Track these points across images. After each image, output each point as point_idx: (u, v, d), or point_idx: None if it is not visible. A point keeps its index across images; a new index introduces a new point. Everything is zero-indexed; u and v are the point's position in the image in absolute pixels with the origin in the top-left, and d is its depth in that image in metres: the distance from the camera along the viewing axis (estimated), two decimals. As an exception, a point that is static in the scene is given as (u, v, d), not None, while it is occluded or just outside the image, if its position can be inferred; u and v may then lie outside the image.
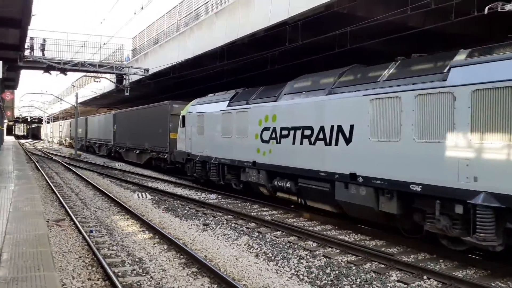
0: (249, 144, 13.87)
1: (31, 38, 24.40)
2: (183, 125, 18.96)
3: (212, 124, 16.42)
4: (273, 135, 12.71)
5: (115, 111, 35.90)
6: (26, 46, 22.10)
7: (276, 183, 12.81)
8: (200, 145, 17.23)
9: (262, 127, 13.24)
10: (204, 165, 17.17)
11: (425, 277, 7.23)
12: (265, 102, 13.33)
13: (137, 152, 28.43)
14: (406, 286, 6.86)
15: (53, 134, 74.23)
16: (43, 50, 24.99)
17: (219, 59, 19.88)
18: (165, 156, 23.09)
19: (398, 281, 7.11)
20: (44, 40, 25.09)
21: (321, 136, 10.95)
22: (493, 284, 6.95)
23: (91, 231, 10.25)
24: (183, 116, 19.07)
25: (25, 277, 5.28)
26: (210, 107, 16.80)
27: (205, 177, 17.19)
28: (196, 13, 21.87)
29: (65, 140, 60.99)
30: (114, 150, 34.63)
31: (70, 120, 56.64)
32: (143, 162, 27.39)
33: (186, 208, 13.67)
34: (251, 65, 19.85)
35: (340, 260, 8.22)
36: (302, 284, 6.96)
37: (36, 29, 39.50)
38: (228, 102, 15.50)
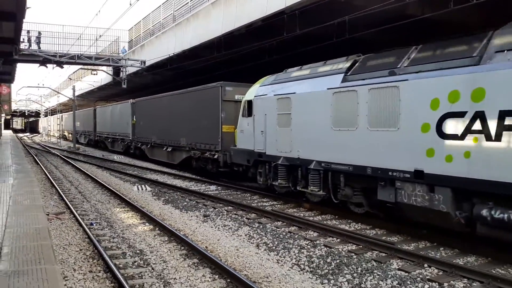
0: (403, 140, 8.67)
1: (28, 32, 24.21)
2: (249, 114, 14.05)
3: (310, 111, 11.41)
4: (476, 126, 7.40)
5: (133, 100, 29.08)
6: (21, 39, 21.91)
7: (484, 211, 7.35)
8: (284, 142, 12.28)
9: (442, 111, 7.96)
10: (292, 170, 12.30)
11: (425, 265, 7.26)
12: (448, 70, 7.94)
13: (169, 149, 22.42)
14: (407, 274, 6.89)
15: (52, 128, 73.88)
16: (38, 43, 24.78)
17: (217, 50, 19.77)
18: (215, 156, 17.33)
19: (399, 269, 7.13)
20: (39, 33, 24.89)
21: None
22: (494, 271, 6.97)
23: (91, 224, 10.24)
24: (249, 101, 14.06)
25: (26, 271, 5.27)
26: (304, 86, 11.77)
27: (293, 187, 12.40)
28: (192, 4, 21.70)
29: (68, 134, 57.29)
30: (133, 146, 28.40)
31: (71, 112, 52.59)
32: (177, 163, 21.85)
33: (186, 199, 13.67)
34: (249, 56, 19.75)
35: (340, 249, 8.24)
36: (303, 274, 6.98)
37: (31, 22, 39.14)
38: (343, 75, 10.45)
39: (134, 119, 28.07)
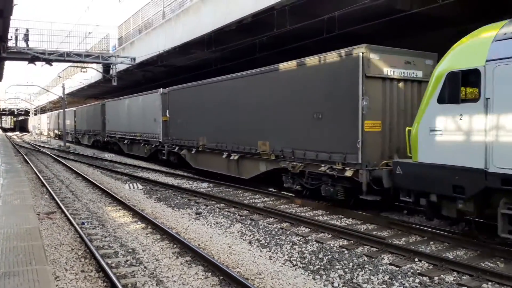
0: None
1: (16, 29, 23.93)
2: (469, 98, 8.28)
3: None
4: None
5: (165, 89, 21.44)
6: (9, 37, 21.66)
7: None
8: None
9: None
10: None
11: (416, 259, 7.33)
12: None
13: (233, 157, 15.11)
14: (398, 268, 6.95)
15: (45, 127, 72.87)
16: (26, 40, 24.51)
17: (207, 46, 19.70)
18: (346, 173, 10.23)
19: (390, 264, 7.20)
20: (27, 30, 24.61)
21: None
22: (483, 265, 7.07)
23: (83, 223, 10.20)
24: (468, 72, 7.52)
25: (17, 272, 5.24)
26: None
27: None
28: (182, 0, 21.59)
29: (69, 133, 49.43)
30: (167, 150, 20.93)
31: (75, 108, 46.11)
32: (249, 177, 14.68)
33: (178, 197, 13.66)
34: (239, 52, 19.72)
35: (332, 245, 8.29)
36: (295, 270, 7.02)
37: (19, 19, 38.67)
38: None
39: (167, 115, 20.89)
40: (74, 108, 46.25)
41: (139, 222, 10.33)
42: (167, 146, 20.87)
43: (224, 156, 15.62)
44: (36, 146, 42.13)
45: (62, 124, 44.31)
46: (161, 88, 21.71)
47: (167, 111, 20.93)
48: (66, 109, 45.69)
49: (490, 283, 6.34)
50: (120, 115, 28.61)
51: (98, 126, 34.85)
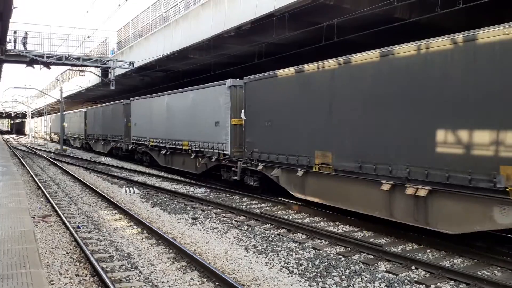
0: None
1: (14, 32, 23.92)
2: None
3: None
4: None
5: (238, 81, 15.43)
6: (8, 40, 21.65)
7: None
8: None
9: None
10: None
11: (413, 267, 7.30)
12: None
13: (389, 184, 9.00)
14: (394, 276, 6.92)
15: (39, 130, 72.49)
16: (25, 43, 24.48)
17: (206, 52, 19.75)
18: None
19: (386, 271, 7.17)
20: (26, 33, 24.58)
21: None
22: (480, 273, 7.05)
23: (78, 227, 10.13)
24: None
25: (10, 275, 5.19)
26: None
27: None
28: (181, 5, 21.66)
29: (76, 138, 43.25)
30: (243, 169, 14.43)
31: (85, 109, 39.46)
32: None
33: (175, 202, 13.60)
34: (238, 58, 19.77)
35: (329, 252, 8.26)
36: (291, 276, 6.98)
37: (18, 22, 38.72)
38: None
39: (243, 116, 14.47)
40: (84, 109, 39.37)
41: (135, 227, 10.27)
42: (243, 163, 14.23)
43: (386, 186, 8.94)
44: (33, 149, 41.97)
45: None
46: (230, 79, 15.37)
47: (243, 111, 14.31)
48: (73, 111, 42.54)
49: (487, 292, 6.32)
50: (154, 117, 22.15)
51: (119, 131, 28.23)
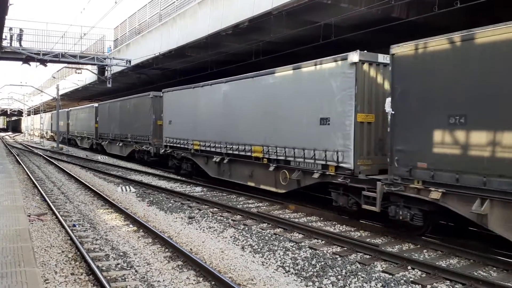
0: None
1: (10, 29, 23.80)
2: None
3: None
4: None
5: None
6: (3, 37, 21.53)
7: None
8: None
9: None
10: None
11: (409, 267, 7.30)
12: None
13: None
14: (390, 276, 6.92)
15: (36, 128, 71.99)
16: (20, 40, 24.37)
17: (203, 50, 19.71)
18: None
19: (383, 271, 7.16)
20: (21, 30, 24.46)
21: None
22: (476, 274, 7.05)
23: (74, 225, 10.08)
24: None
25: (5, 273, 5.15)
26: None
27: None
28: (178, 3, 21.59)
29: (84, 138, 37.75)
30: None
31: (97, 104, 34.30)
32: None
33: (171, 201, 13.56)
34: (236, 57, 19.74)
35: (325, 251, 8.25)
36: (288, 276, 6.97)
37: (14, 19, 38.54)
38: None
39: (388, 108, 8.93)
40: (95, 104, 34.45)
41: (131, 225, 10.23)
42: (386, 184, 8.87)
43: None
44: (29, 147, 41.81)
45: (56, 124, 43.12)
46: (357, 51, 9.83)
47: (389, 100, 8.94)
48: (81, 107, 39.04)
49: (483, 292, 6.32)
50: (201, 112, 16.70)
51: (144, 130, 23.04)
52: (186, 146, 17.72)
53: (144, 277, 6.77)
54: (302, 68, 11.53)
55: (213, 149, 15.68)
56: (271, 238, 9.14)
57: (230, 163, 14.88)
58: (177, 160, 18.99)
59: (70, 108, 44.93)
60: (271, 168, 12.61)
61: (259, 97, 13.31)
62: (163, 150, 19.88)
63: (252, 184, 13.80)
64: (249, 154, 13.64)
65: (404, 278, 6.81)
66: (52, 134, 53.61)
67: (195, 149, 17.04)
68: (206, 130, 16.22)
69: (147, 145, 22.75)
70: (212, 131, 15.81)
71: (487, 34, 7.23)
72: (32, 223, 9.90)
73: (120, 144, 27.55)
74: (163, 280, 6.62)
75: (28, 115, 79.21)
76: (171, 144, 19.10)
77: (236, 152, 14.29)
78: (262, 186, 13.37)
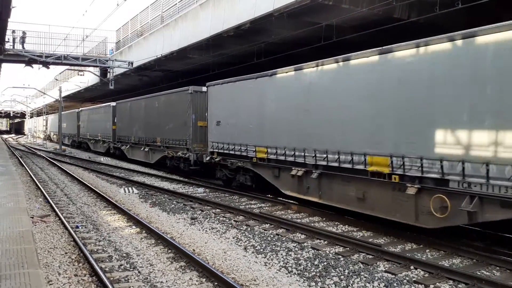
0: None
1: (13, 31, 23.90)
2: None
3: None
4: None
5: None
6: (6, 39, 21.62)
7: None
8: None
9: None
10: None
11: (412, 267, 7.30)
12: None
13: None
14: (393, 276, 6.92)
15: (39, 129, 71.99)
16: (23, 43, 24.46)
17: (205, 52, 19.73)
18: None
19: (385, 271, 7.16)
20: (24, 32, 24.55)
21: None
22: (479, 273, 7.05)
23: (77, 227, 10.12)
24: None
25: (8, 275, 5.17)
26: None
27: None
28: (180, 5, 21.64)
29: (99, 141, 33.84)
30: None
31: (115, 103, 30.11)
32: None
33: (174, 202, 13.59)
34: (237, 58, 19.76)
35: (328, 252, 8.25)
36: (290, 276, 6.98)
37: (16, 22, 38.64)
38: None
39: None
40: (112, 103, 30.34)
41: (133, 227, 10.26)
42: None
43: None
44: (32, 149, 41.91)
45: (58, 126, 43.04)
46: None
47: None
48: (94, 107, 35.72)
49: (485, 292, 6.32)
50: (273, 108, 12.96)
51: (180, 133, 19.18)
52: (244, 154, 14.04)
53: (147, 278, 6.79)
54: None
55: (290, 158, 11.94)
56: (274, 239, 9.15)
57: (322, 178, 10.95)
58: (229, 171, 15.39)
59: (81, 108, 40.90)
60: (411, 191, 8.51)
61: (391, 87, 9.11)
62: (208, 158, 16.19)
63: (366, 211, 9.83)
64: (360, 167, 9.73)
65: (407, 278, 6.81)
66: (58, 136, 51.32)
67: (259, 157, 13.32)
68: (279, 133, 12.45)
69: (185, 151, 18.71)
70: (289, 135, 12.06)
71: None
72: (35, 225, 9.94)
73: (146, 149, 23.37)
74: (166, 281, 6.64)
75: (31, 117, 79.45)
76: (220, 151, 15.39)
77: (335, 164, 10.37)
78: (385, 216, 9.31)
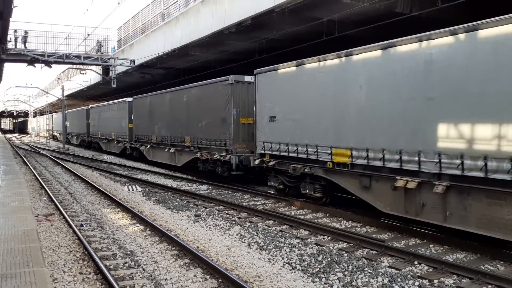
0: None
1: (15, 31, 23.94)
2: None
3: None
4: None
5: None
6: (8, 39, 21.66)
7: None
8: None
9: None
10: None
11: (416, 262, 7.30)
12: None
13: None
14: (397, 271, 6.92)
15: (42, 129, 72.22)
16: (25, 42, 24.51)
17: (207, 49, 19.72)
18: None
19: (389, 267, 7.17)
20: (26, 32, 24.59)
21: None
22: (483, 267, 7.04)
23: (81, 225, 10.16)
24: None
25: (14, 274, 5.21)
26: None
27: None
28: (181, 2, 21.62)
29: (112, 141, 31.01)
30: None
31: (131, 98, 26.94)
32: None
33: (177, 199, 13.62)
34: (239, 55, 19.75)
35: (331, 248, 8.26)
36: (294, 272, 6.99)
37: (18, 21, 38.69)
38: None
39: None
40: (128, 99, 27.25)
41: (137, 224, 10.29)
42: None
43: None
44: (35, 148, 42.06)
45: (62, 125, 43.14)
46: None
47: None
48: (107, 103, 32.86)
49: (490, 286, 6.31)
50: (395, 101, 9.21)
51: (219, 132, 16.15)
52: (312, 157, 11.23)
53: (151, 275, 6.82)
54: None
55: (391, 164, 9.05)
56: (277, 235, 9.16)
57: (451, 193, 7.93)
58: (288, 178, 12.54)
59: (90, 105, 38.28)
60: None
61: None
62: (257, 161, 13.39)
63: None
64: None
65: (411, 273, 6.81)
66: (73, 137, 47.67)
67: (336, 162, 10.48)
68: (373, 130, 9.56)
69: (223, 153, 15.84)
70: (390, 132, 9.15)
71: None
72: (40, 224, 9.99)
73: (171, 150, 20.38)
74: (171, 278, 6.67)
75: (34, 116, 79.68)
76: (275, 153, 12.61)
77: (477, 174, 7.45)
78: None
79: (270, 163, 12.78)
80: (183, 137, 19.28)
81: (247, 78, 15.27)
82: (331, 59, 10.62)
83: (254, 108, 13.81)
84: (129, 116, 26.87)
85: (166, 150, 20.93)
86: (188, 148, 18.91)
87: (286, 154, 12.16)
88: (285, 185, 12.90)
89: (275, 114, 12.67)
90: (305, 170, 11.45)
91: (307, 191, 11.77)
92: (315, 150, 11.08)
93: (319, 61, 11.03)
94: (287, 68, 12.24)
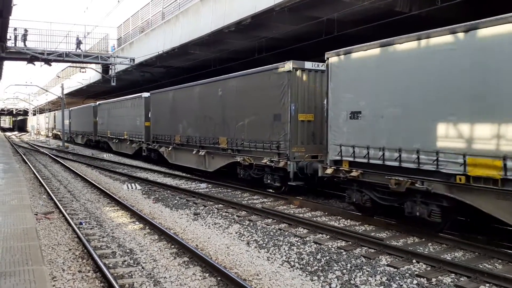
0: None
1: (15, 29, 23.95)
2: None
3: None
4: None
5: None
6: (8, 37, 21.67)
7: None
8: None
9: None
10: None
11: (414, 260, 7.32)
12: None
13: None
14: (395, 270, 6.94)
15: (42, 127, 72.05)
16: (24, 40, 24.52)
17: (206, 47, 19.72)
18: None
19: (388, 265, 7.18)
20: (25, 30, 24.60)
21: None
22: (481, 266, 7.06)
23: (80, 223, 10.17)
24: None
25: (13, 272, 5.21)
26: None
27: None
28: (181, 1, 21.63)
29: (125, 141, 27.99)
30: None
31: (146, 94, 23.86)
32: None
33: (177, 198, 13.63)
34: (238, 54, 19.75)
35: (330, 246, 8.28)
36: (293, 271, 7.00)
37: (18, 19, 38.68)
38: None
39: None
40: (144, 94, 24.04)
41: (137, 223, 10.31)
42: None
43: None
44: (35, 146, 42.06)
45: (62, 123, 43.25)
46: None
47: None
48: (120, 99, 29.29)
49: (488, 284, 6.33)
50: None
51: (268, 132, 13.38)
52: (425, 167, 8.24)
53: (150, 274, 6.83)
54: None
55: None
56: (276, 234, 9.18)
57: None
58: (380, 194, 9.42)
59: (98, 102, 35.19)
60: None
61: None
62: (330, 170, 10.37)
63: None
64: None
65: (409, 272, 6.83)
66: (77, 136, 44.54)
67: (474, 175, 7.47)
68: None
69: (275, 158, 13.03)
70: None
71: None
72: (39, 222, 10.00)
73: (201, 153, 17.42)
74: (170, 276, 6.68)
75: (34, 114, 79.67)
76: (359, 160, 9.66)
77: None
78: None
79: (352, 173, 9.74)
80: (217, 137, 16.25)
81: (308, 65, 12.47)
82: (474, 30, 7.52)
83: (324, 101, 10.73)
84: (145, 113, 23.72)
85: (194, 152, 17.92)
86: (223, 151, 15.88)
87: (379, 162, 9.12)
88: (373, 203, 9.72)
89: (361, 109, 9.60)
90: (417, 185, 8.33)
91: (417, 213, 8.57)
92: (435, 159, 8.01)
93: (434, 35, 8.15)
94: (378, 49, 9.21)
